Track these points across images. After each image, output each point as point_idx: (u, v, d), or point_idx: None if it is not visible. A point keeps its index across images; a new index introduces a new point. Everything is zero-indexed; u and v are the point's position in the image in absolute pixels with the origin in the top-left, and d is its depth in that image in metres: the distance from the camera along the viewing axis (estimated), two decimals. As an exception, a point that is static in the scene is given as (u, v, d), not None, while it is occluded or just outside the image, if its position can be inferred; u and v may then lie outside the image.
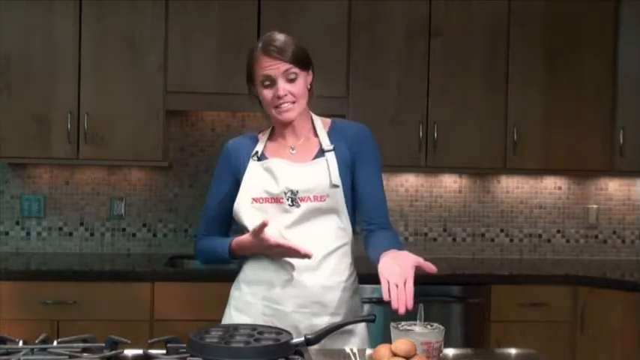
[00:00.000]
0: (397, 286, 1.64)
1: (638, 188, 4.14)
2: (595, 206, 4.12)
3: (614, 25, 3.75)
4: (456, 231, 4.06)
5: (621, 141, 3.73)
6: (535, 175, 4.05)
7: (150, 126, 3.55)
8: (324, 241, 1.98)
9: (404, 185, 4.03)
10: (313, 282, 1.96)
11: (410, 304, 1.63)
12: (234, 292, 2.10)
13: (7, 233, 3.83)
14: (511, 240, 4.09)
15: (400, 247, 1.89)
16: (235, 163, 2.07)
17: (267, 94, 1.99)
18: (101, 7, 3.51)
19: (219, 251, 2.07)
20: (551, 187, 4.10)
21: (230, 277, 3.47)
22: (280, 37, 1.99)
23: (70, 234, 3.86)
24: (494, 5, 3.70)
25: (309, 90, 2.05)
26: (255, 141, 2.11)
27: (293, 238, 1.95)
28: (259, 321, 1.97)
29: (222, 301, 3.27)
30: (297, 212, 1.97)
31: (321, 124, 2.08)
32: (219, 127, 3.93)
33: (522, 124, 3.71)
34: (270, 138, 2.10)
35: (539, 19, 3.72)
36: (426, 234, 4.04)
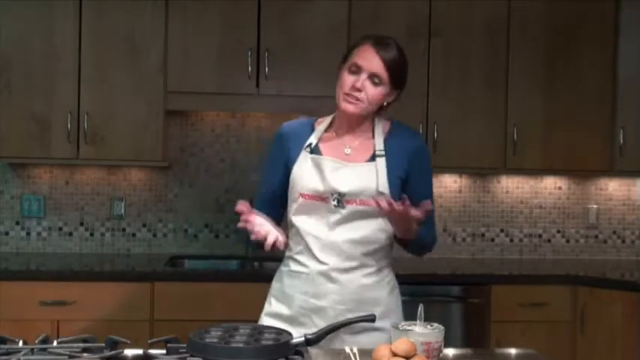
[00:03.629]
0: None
1: (638, 188, 4.14)
2: (595, 206, 4.12)
3: (614, 25, 3.75)
4: (456, 231, 4.06)
5: (621, 141, 3.73)
6: (535, 175, 4.04)
7: (150, 126, 3.54)
8: (364, 242, 2.00)
9: (404, 185, 4.02)
10: (352, 279, 1.99)
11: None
12: (275, 284, 2.13)
13: (7, 233, 3.83)
14: (511, 240, 4.09)
15: (432, 240, 2.13)
16: (288, 149, 2.07)
17: (347, 78, 1.99)
18: (101, 7, 3.51)
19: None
20: (551, 187, 4.10)
21: (230, 277, 3.48)
22: (393, 46, 2.00)
23: (70, 234, 3.86)
24: (494, 5, 3.70)
25: (383, 106, 2.06)
26: (311, 129, 2.09)
27: (337, 238, 1.98)
28: (296, 313, 2.01)
29: (222, 301, 3.29)
30: (341, 213, 1.98)
31: (381, 129, 2.08)
32: (219, 127, 3.93)
33: (522, 124, 3.71)
34: (328, 130, 2.09)
35: (539, 19, 3.72)
36: (426, 234, 4.03)
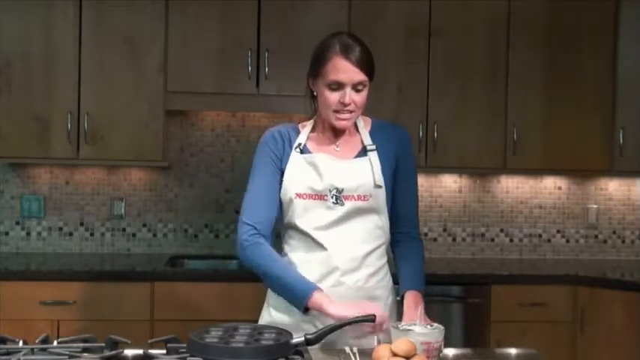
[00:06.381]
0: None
1: (638, 188, 4.14)
2: (595, 206, 4.12)
3: (614, 25, 3.75)
4: (456, 231, 4.06)
5: (621, 141, 3.73)
6: (535, 175, 4.05)
7: (150, 126, 3.54)
8: (365, 241, 2.00)
9: (404, 185, 4.02)
10: (353, 283, 1.99)
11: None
12: (273, 292, 2.07)
13: (7, 233, 3.83)
14: (511, 240, 4.09)
15: (420, 263, 2.08)
16: (278, 152, 2.05)
17: (333, 97, 1.96)
18: (101, 7, 3.51)
19: (294, 298, 1.94)
20: (551, 187, 4.10)
21: (230, 277, 3.48)
22: (357, 45, 1.96)
23: (70, 234, 3.86)
24: (494, 5, 3.70)
25: None
26: (297, 132, 2.09)
27: (337, 239, 1.98)
28: (299, 320, 1.96)
29: (222, 301, 3.29)
30: (340, 210, 1.98)
31: (363, 123, 2.10)
32: (219, 127, 3.93)
33: (522, 124, 3.71)
34: (313, 130, 2.09)
35: (539, 19, 3.72)
36: (426, 234, 4.04)
